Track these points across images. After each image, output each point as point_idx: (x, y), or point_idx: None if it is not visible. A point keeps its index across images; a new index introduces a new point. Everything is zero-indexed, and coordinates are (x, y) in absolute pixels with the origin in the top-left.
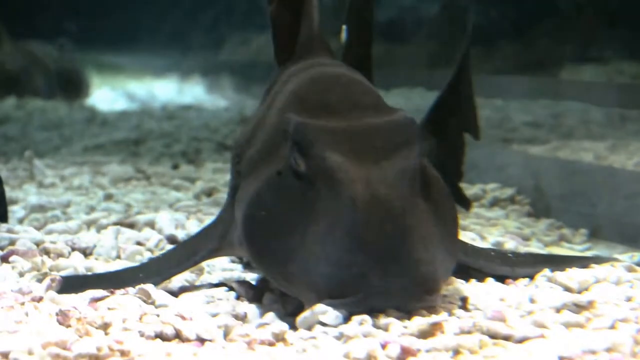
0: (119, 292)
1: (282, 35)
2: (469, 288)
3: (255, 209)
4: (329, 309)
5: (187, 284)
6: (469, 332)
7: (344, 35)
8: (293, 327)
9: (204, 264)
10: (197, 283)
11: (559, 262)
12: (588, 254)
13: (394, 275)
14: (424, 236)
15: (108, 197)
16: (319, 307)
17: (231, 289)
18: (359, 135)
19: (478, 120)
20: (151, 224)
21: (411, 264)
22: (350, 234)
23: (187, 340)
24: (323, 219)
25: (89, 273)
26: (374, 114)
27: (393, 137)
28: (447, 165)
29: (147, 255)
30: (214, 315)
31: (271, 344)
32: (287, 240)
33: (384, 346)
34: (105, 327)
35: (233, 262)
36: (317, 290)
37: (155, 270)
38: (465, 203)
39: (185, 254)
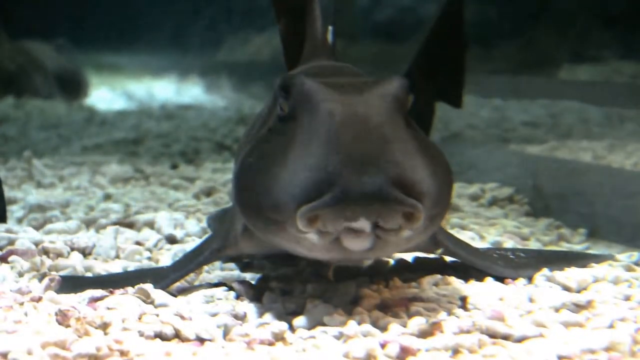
0: (118, 291)
1: (291, 47)
2: (468, 288)
3: (244, 163)
4: (330, 308)
5: (186, 284)
6: (468, 332)
7: (329, 36)
8: (293, 326)
9: None
10: (196, 283)
11: (558, 260)
12: None
13: (370, 174)
14: (404, 148)
15: (107, 197)
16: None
17: (230, 288)
18: (343, 83)
19: (461, 89)
20: (150, 224)
21: (388, 164)
22: (326, 141)
23: (187, 340)
24: (302, 138)
25: (89, 274)
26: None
27: (376, 81)
28: None
29: (146, 255)
30: (214, 315)
31: (271, 344)
32: (269, 174)
33: (383, 346)
34: (104, 327)
35: (232, 261)
36: (295, 197)
37: (161, 275)
38: None
39: (190, 256)
